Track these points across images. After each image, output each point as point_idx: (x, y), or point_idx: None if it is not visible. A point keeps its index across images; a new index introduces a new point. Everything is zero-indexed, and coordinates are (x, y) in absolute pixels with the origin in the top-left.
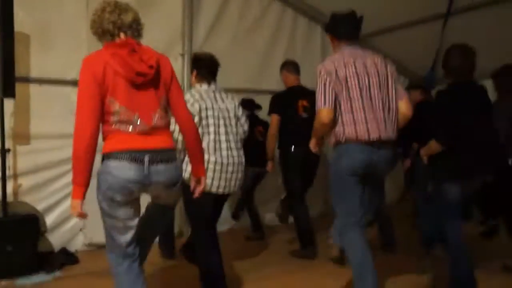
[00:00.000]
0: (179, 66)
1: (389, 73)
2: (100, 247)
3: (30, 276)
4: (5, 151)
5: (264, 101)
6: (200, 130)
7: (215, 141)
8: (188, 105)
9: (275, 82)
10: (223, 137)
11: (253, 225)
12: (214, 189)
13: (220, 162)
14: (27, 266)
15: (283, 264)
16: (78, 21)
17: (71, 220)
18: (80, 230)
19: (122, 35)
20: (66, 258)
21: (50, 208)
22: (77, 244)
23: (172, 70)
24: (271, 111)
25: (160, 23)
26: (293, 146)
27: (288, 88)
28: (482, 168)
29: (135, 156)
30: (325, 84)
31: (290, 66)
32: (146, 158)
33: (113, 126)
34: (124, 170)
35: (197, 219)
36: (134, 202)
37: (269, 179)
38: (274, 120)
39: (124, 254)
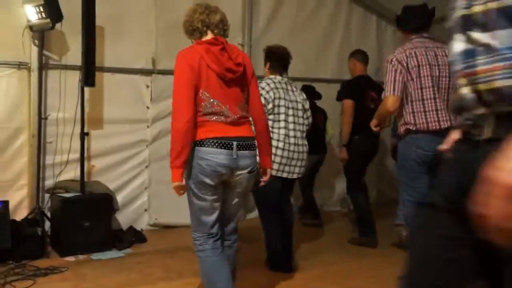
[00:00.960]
0: None
1: None
2: (164, 227)
3: (104, 252)
4: (84, 135)
5: (320, 89)
6: (271, 117)
7: (285, 128)
8: (263, 92)
9: (330, 71)
10: (291, 126)
11: (311, 212)
12: (280, 174)
13: (287, 149)
14: (102, 242)
15: (341, 251)
16: (147, 14)
17: (137, 201)
18: (145, 210)
19: (209, 33)
20: (136, 236)
21: (119, 189)
22: (142, 224)
23: (251, 66)
24: (344, 97)
25: None
26: (357, 136)
27: (358, 76)
28: None
29: (225, 143)
30: (395, 72)
31: (360, 55)
32: (235, 144)
33: (204, 117)
34: (216, 155)
35: (265, 203)
36: (220, 186)
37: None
38: (348, 105)
39: (209, 233)
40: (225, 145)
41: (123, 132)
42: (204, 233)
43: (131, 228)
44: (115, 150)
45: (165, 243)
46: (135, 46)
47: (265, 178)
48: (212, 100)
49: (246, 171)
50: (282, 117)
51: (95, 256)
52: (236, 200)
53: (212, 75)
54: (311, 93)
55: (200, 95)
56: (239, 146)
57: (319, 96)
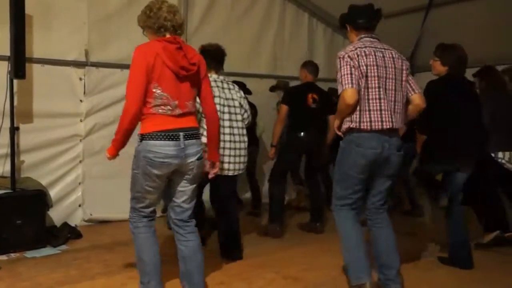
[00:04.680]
0: None
1: (404, 68)
2: (99, 222)
3: (38, 250)
4: (14, 129)
5: (252, 84)
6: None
7: (221, 126)
8: None
9: (264, 67)
10: (226, 123)
11: (254, 200)
12: (220, 172)
13: (222, 147)
14: (35, 240)
15: (281, 240)
16: (79, 3)
17: (71, 196)
18: (79, 206)
19: (170, 33)
20: (71, 232)
21: (51, 185)
22: (76, 219)
23: (205, 68)
24: (282, 102)
25: None
26: (301, 132)
27: (302, 83)
28: (465, 153)
29: (172, 134)
30: (350, 66)
31: (310, 67)
32: (182, 134)
33: (153, 109)
34: (164, 147)
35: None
36: (166, 175)
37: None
38: (282, 110)
39: (144, 214)
40: (172, 137)
41: (55, 126)
42: (140, 214)
43: (65, 224)
44: (46, 144)
45: (101, 238)
46: (67, 36)
47: (213, 171)
48: (163, 93)
49: (195, 158)
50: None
51: (29, 254)
52: (186, 186)
53: (166, 71)
54: (242, 89)
55: (152, 88)
56: (186, 136)
57: (249, 92)
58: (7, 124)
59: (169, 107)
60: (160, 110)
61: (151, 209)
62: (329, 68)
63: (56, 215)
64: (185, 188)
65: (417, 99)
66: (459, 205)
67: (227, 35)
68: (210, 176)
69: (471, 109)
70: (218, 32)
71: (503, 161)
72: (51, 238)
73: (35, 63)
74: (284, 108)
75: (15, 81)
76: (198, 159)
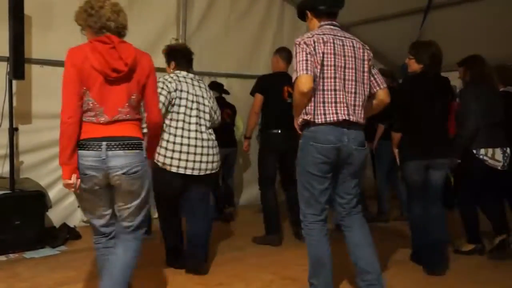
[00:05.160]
0: None
1: (366, 59)
2: None
3: (37, 250)
4: (13, 130)
5: (252, 85)
6: (170, 108)
7: (183, 122)
8: (166, 82)
9: (263, 67)
10: (193, 120)
11: (218, 206)
12: (183, 171)
13: (187, 144)
14: (34, 240)
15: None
16: (79, 4)
17: (70, 197)
18: (78, 206)
19: (110, 33)
20: (69, 233)
21: (50, 186)
22: (75, 220)
23: (150, 68)
24: (255, 91)
25: (156, 9)
26: (274, 130)
27: (275, 72)
28: (438, 151)
29: (93, 144)
30: (305, 53)
31: (284, 53)
32: (104, 144)
33: (83, 117)
34: (84, 157)
35: (162, 201)
36: (102, 190)
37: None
38: (257, 100)
39: (100, 233)
40: (92, 147)
41: (54, 127)
42: (97, 234)
43: (64, 225)
44: (45, 145)
45: None
46: (66, 37)
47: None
48: (89, 99)
49: (121, 172)
50: (182, 109)
51: (28, 254)
52: (124, 204)
53: (95, 75)
54: (220, 89)
55: (82, 94)
56: (110, 146)
57: (227, 92)
58: (6, 124)
59: (93, 113)
60: (87, 117)
61: (104, 228)
62: None
63: (55, 216)
64: (122, 207)
65: (382, 95)
66: (441, 206)
67: (226, 36)
68: None
69: (443, 107)
70: (217, 33)
71: (485, 157)
72: (50, 239)
73: (34, 63)
74: (259, 97)
75: (14, 81)
76: (127, 173)
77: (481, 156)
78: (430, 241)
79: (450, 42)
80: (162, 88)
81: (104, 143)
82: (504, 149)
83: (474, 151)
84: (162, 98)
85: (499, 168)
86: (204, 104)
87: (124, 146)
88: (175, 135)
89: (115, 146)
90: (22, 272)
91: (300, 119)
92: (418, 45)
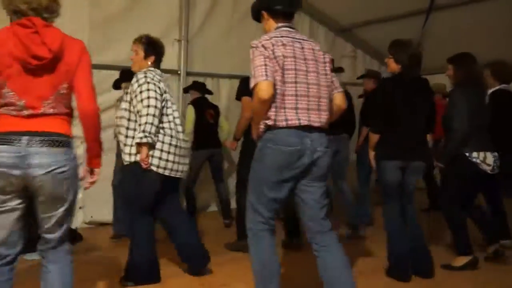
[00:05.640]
0: (176, 52)
1: (326, 61)
2: (100, 224)
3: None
4: None
5: None
6: (164, 110)
7: (174, 123)
8: (157, 84)
9: None
10: (178, 121)
11: (191, 210)
12: (169, 172)
13: (179, 146)
14: (35, 242)
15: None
16: (80, 6)
17: None
18: (80, 208)
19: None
20: (71, 235)
21: None
22: (77, 222)
23: (81, 56)
24: (244, 94)
25: (158, 9)
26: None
27: None
28: (415, 153)
29: (11, 138)
30: (264, 57)
31: None
32: (24, 139)
33: (1, 109)
34: (1, 153)
35: (139, 206)
36: (17, 195)
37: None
38: (247, 102)
39: None
40: (10, 141)
41: None
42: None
43: None
44: None
45: (102, 240)
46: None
47: (92, 180)
48: (8, 91)
49: (44, 171)
50: (169, 111)
51: (28, 256)
52: (48, 212)
53: (14, 63)
54: (203, 89)
55: (1, 85)
56: (31, 142)
57: (210, 92)
58: None
59: (13, 106)
60: (5, 110)
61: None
62: None
63: None
64: (45, 215)
65: (337, 99)
66: (415, 210)
67: (228, 38)
68: (86, 186)
69: (423, 109)
70: (220, 34)
71: (478, 161)
72: None
73: None
74: (246, 99)
75: None
76: (51, 173)
77: (474, 160)
78: (409, 244)
79: (451, 43)
80: (155, 91)
81: (25, 138)
82: (494, 153)
83: (467, 154)
84: (157, 103)
85: (488, 171)
86: (176, 105)
87: (48, 142)
88: (170, 137)
89: (38, 142)
90: (22, 274)
91: (262, 126)
92: (397, 45)
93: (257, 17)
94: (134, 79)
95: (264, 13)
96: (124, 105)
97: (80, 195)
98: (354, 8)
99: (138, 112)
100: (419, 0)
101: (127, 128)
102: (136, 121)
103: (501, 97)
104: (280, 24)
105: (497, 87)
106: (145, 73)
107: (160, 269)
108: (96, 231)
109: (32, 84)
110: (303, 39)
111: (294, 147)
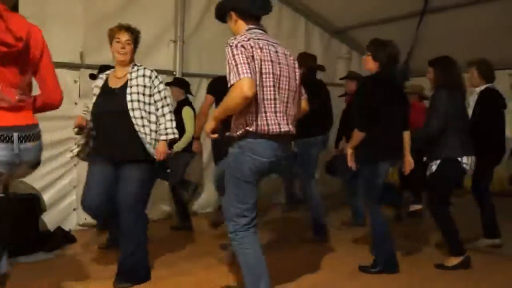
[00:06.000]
0: (171, 52)
1: (296, 67)
2: (93, 226)
3: (31, 255)
4: None
5: None
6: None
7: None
8: (157, 75)
9: None
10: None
11: (181, 214)
12: None
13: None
14: (28, 245)
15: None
16: (75, 5)
17: (65, 200)
18: (74, 210)
19: None
20: (64, 237)
21: (44, 188)
22: (70, 224)
23: (43, 44)
24: (207, 91)
25: (153, 9)
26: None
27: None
28: (394, 153)
29: (5, 135)
30: (245, 56)
31: None
32: (16, 136)
33: None
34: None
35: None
36: None
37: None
38: (208, 100)
39: None
40: (4, 139)
41: (49, 129)
42: None
43: (59, 229)
44: None
45: (96, 242)
46: (62, 38)
47: None
48: None
49: (28, 166)
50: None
51: (22, 259)
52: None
53: None
54: (187, 88)
55: None
56: (21, 138)
57: (191, 93)
58: None
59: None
60: None
61: None
62: (325, 73)
63: (50, 219)
64: None
65: (303, 104)
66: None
67: (224, 38)
68: None
69: (401, 110)
70: (215, 35)
71: (467, 166)
72: (45, 242)
73: None
74: (210, 98)
75: None
76: (32, 167)
77: (464, 165)
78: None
79: (445, 45)
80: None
81: (16, 134)
82: (473, 157)
83: (459, 159)
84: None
85: (468, 174)
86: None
87: (32, 137)
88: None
89: (26, 138)
90: (16, 277)
91: (241, 130)
92: (376, 43)
93: (222, 17)
94: (147, 72)
95: (233, 14)
96: (135, 96)
97: (73, 197)
98: (350, 9)
99: (162, 107)
100: (413, 3)
101: (150, 122)
102: (150, 113)
103: (490, 96)
104: (251, 26)
105: (484, 86)
106: (149, 69)
107: (153, 270)
108: (90, 233)
109: (4, 71)
110: (276, 43)
111: (268, 159)
